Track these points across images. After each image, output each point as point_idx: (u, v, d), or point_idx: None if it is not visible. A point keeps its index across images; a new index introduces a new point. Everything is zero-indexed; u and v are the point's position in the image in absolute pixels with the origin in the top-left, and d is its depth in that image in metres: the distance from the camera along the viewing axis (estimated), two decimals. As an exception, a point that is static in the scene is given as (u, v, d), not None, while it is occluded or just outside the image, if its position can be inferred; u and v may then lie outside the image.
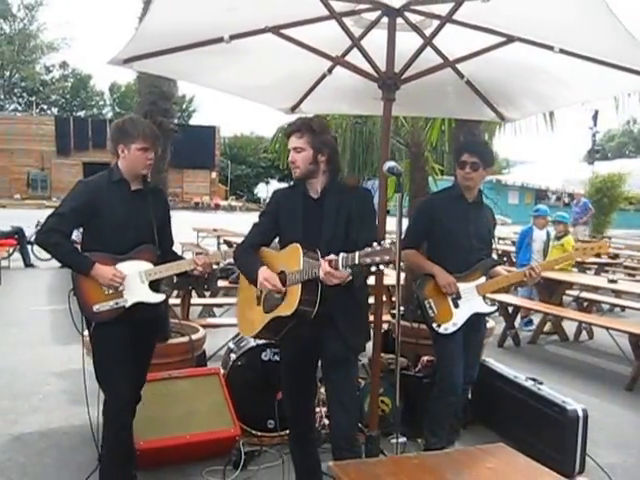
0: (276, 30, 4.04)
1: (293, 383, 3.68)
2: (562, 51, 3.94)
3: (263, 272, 3.42)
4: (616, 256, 14.51)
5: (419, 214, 4.79)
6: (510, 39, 4.04)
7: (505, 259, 13.98)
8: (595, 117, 24.95)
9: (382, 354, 4.34)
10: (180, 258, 4.06)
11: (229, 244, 14.09)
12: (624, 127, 73.72)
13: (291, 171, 3.52)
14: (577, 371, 7.68)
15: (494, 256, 4.74)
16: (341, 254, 3.13)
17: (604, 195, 20.55)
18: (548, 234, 10.03)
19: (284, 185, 3.93)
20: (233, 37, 4.06)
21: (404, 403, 5.00)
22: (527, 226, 10.44)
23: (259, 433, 4.92)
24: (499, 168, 44.93)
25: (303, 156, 3.45)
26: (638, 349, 7.08)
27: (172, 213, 4.16)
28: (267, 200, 3.89)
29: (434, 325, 4.44)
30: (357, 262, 3.05)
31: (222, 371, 5.10)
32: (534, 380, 5.06)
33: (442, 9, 3.89)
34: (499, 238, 17.06)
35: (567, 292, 9.68)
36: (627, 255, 15.35)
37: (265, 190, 54.25)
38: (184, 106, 57.57)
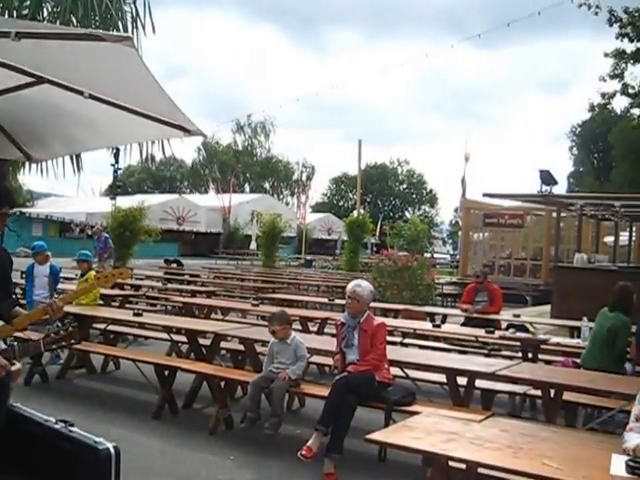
0: None
1: None
2: (92, 97, 4.05)
3: None
4: (139, 287, 15.11)
5: None
6: (40, 80, 4.02)
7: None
8: (117, 155, 25.88)
9: None
10: None
11: None
12: (144, 164, 77.63)
13: None
14: (107, 403, 7.79)
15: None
16: (15, 344, 3.34)
17: (126, 229, 21.30)
18: (52, 268, 10.23)
19: None
20: None
21: None
22: (30, 263, 10.47)
23: None
24: (23, 201, 44.01)
25: None
26: (163, 378, 7.49)
27: None
28: None
29: None
30: (42, 350, 3.45)
31: None
32: (65, 422, 4.98)
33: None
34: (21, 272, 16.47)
35: (94, 325, 9.76)
36: (148, 286, 16.10)
37: None
38: None
